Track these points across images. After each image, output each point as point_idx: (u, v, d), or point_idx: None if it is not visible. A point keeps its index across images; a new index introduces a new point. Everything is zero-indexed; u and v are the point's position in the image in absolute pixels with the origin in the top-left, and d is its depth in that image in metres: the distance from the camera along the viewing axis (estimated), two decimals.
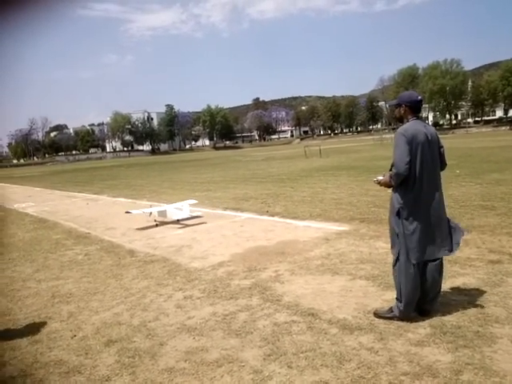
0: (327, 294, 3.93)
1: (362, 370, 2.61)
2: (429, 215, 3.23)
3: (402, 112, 3.35)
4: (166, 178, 20.31)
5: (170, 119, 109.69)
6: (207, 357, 2.95)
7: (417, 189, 3.20)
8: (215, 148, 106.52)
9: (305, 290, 4.11)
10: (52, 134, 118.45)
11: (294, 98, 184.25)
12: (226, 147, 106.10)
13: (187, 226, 7.95)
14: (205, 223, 8.08)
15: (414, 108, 3.32)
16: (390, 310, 3.35)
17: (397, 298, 3.34)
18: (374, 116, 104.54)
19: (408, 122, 3.30)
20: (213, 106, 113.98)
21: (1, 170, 68.52)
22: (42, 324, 3.74)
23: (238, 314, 3.64)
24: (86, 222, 9.23)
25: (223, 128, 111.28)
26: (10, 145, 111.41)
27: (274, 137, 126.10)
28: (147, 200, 12.25)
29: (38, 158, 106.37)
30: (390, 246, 3.48)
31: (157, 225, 8.23)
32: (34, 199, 15.40)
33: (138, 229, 8.00)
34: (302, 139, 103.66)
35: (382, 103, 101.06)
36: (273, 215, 8.32)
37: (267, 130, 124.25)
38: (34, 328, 3.66)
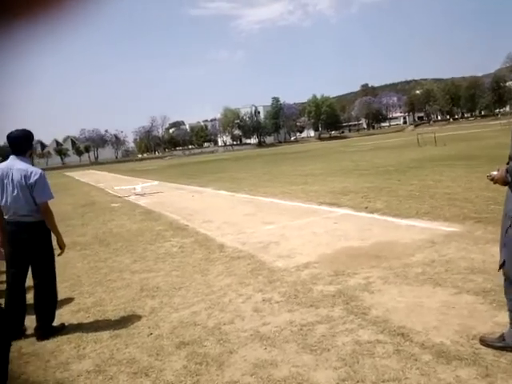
0: (424, 311, 3.36)
1: None
2: None
3: None
4: (267, 171, 20.47)
5: (276, 112, 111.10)
6: (275, 373, 2.69)
7: None
8: (320, 139, 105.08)
9: (398, 303, 3.58)
10: (170, 130, 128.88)
11: (407, 82, 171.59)
12: (331, 137, 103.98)
13: (277, 222, 7.75)
14: (297, 219, 7.80)
15: None
16: (502, 337, 2.69)
17: (511, 324, 2.67)
18: (500, 98, 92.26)
19: None
20: (318, 96, 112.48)
21: (127, 163, 76.94)
22: (126, 318, 3.86)
23: (316, 325, 3.30)
24: (187, 214, 9.64)
25: (329, 118, 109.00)
26: (135, 141, 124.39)
27: (384, 124, 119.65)
28: (245, 193, 12.41)
29: (158, 152, 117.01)
30: None
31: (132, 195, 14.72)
32: (148, 190, 16.75)
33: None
34: (416, 126, 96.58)
35: (510, 83, 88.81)
36: (372, 212, 7.68)
37: (376, 118, 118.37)
38: (117, 321, 3.79)
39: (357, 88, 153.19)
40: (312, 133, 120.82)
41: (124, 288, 4.77)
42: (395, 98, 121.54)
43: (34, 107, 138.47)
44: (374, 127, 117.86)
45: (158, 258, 5.97)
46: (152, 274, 5.20)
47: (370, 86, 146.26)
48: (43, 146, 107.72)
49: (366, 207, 8.12)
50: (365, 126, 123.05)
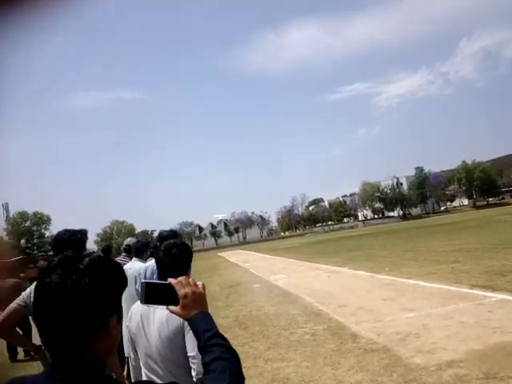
0: None
1: None
2: None
3: None
4: (411, 247, 19.08)
5: (421, 182, 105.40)
6: None
7: None
8: (475, 207, 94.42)
9: None
10: (310, 208, 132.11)
11: None
12: (488, 205, 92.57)
13: (419, 309, 7.08)
14: (443, 306, 7.02)
15: None
16: None
17: None
18: None
19: None
20: (469, 161, 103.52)
21: (270, 241, 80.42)
22: None
23: None
24: (322, 297, 9.51)
25: (483, 184, 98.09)
26: (278, 220, 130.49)
27: None
28: (385, 274, 11.73)
29: (299, 229, 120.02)
30: None
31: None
32: (286, 271, 17.13)
33: None
34: None
35: None
36: None
37: None
38: None
39: None
40: (465, 201, 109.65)
41: (257, 377, 4.88)
42: None
43: (193, 197, 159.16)
44: None
45: (290, 346, 5.98)
46: (284, 364, 5.22)
47: None
48: (200, 229, 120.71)
49: None
50: None
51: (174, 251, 2.04)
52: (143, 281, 1.14)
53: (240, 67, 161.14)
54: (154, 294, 1.13)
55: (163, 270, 2.05)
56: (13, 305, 2.43)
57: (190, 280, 1.16)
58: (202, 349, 1.07)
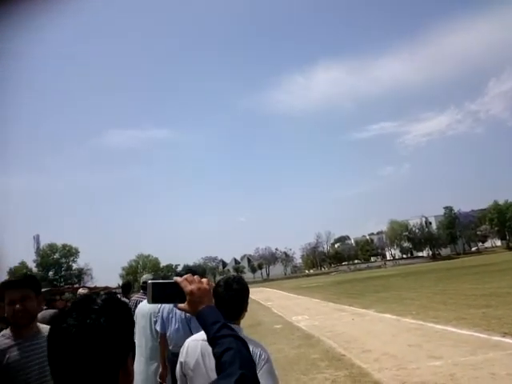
0: None
1: None
2: None
3: None
4: (440, 290, 18.34)
5: (450, 221, 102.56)
6: None
7: None
8: (509, 248, 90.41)
9: None
10: (336, 246, 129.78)
11: None
12: None
13: (446, 357, 6.73)
14: (473, 355, 6.65)
15: None
16: None
17: None
18: None
19: None
20: (501, 201, 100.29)
21: (294, 279, 78.96)
22: None
23: None
24: (345, 341, 9.19)
25: None
26: (302, 257, 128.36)
27: None
28: (412, 318, 11.27)
29: (324, 267, 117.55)
30: None
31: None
32: (309, 312, 16.71)
33: None
34: None
35: None
36: None
37: None
38: None
39: None
40: (498, 242, 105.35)
41: None
42: None
43: (217, 232, 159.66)
44: None
45: None
46: None
47: None
48: (224, 264, 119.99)
49: None
50: None
51: (235, 286, 2.06)
52: (149, 282, 1.17)
53: (267, 107, 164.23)
54: (160, 293, 1.17)
55: (226, 305, 1.97)
56: None
57: (196, 277, 1.19)
58: (211, 341, 1.10)
